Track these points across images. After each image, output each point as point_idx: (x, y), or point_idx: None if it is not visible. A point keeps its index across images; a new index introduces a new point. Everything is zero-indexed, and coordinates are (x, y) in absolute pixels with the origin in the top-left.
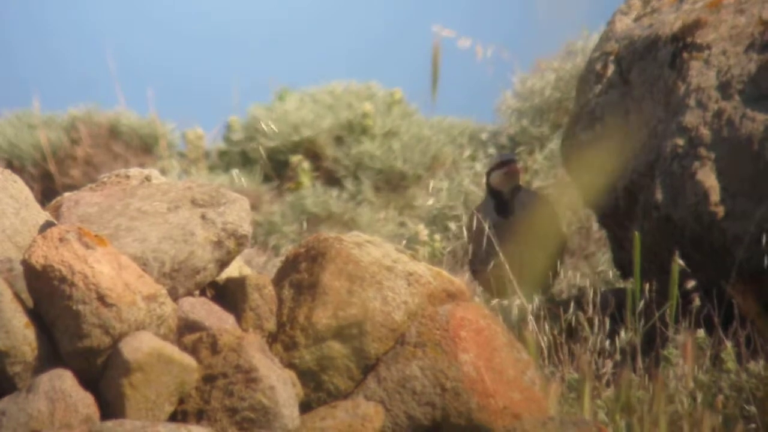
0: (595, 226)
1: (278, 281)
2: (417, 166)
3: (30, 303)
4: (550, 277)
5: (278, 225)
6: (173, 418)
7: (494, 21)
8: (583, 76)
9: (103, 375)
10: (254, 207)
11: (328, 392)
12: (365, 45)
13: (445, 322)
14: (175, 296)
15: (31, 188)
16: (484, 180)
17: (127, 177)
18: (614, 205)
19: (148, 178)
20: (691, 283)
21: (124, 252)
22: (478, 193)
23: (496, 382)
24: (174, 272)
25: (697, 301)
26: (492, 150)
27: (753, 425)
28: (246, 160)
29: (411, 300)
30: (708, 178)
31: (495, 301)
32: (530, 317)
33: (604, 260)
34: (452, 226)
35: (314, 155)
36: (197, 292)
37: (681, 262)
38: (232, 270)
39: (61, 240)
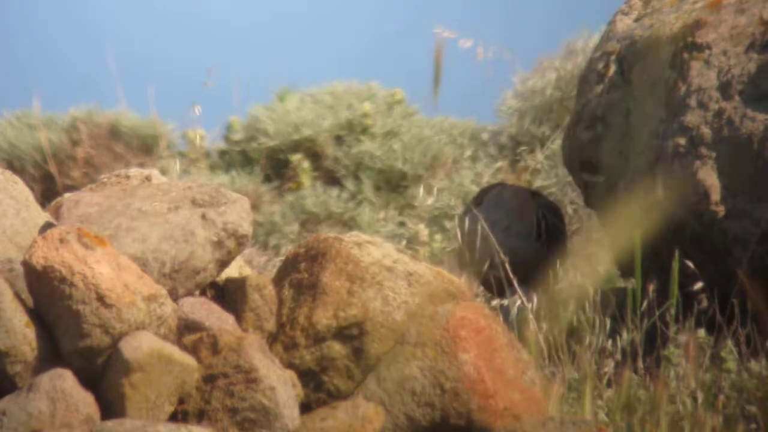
0: (596, 225)
1: (278, 281)
2: (417, 166)
3: (30, 303)
4: (550, 276)
5: (278, 225)
6: (174, 418)
7: (495, 21)
8: (584, 75)
9: (104, 375)
10: (254, 207)
11: (329, 393)
12: (366, 45)
13: (445, 321)
14: (175, 296)
15: (32, 189)
16: (484, 180)
17: (128, 177)
18: (615, 205)
19: (148, 179)
20: (698, 285)
21: (124, 252)
22: None
23: (497, 383)
24: (174, 272)
25: (704, 302)
26: (493, 150)
27: (754, 425)
28: (246, 160)
29: (411, 300)
30: (709, 177)
31: (496, 301)
32: (531, 317)
33: (604, 260)
34: (452, 226)
35: (314, 155)
36: (197, 293)
37: (690, 264)
38: (232, 270)
39: (61, 241)
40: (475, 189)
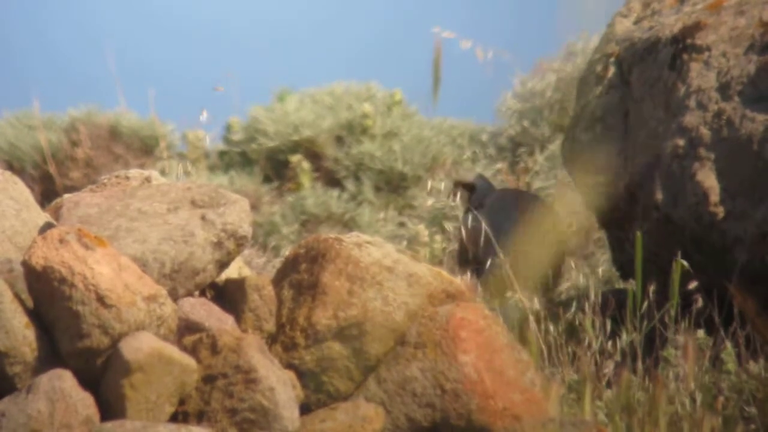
0: (595, 226)
1: (278, 282)
2: (417, 167)
3: (30, 304)
4: (550, 277)
5: (278, 225)
6: (174, 418)
7: (495, 23)
8: (584, 77)
9: (104, 375)
10: (254, 207)
11: (328, 394)
12: (366, 46)
13: (445, 322)
14: (175, 297)
15: (32, 189)
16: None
17: (127, 178)
18: (614, 206)
19: (148, 179)
20: (693, 284)
21: (124, 253)
22: None
23: (496, 383)
24: (174, 273)
25: (699, 302)
26: (492, 151)
27: (753, 426)
28: (246, 161)
29: (411, 300)
30: (708, 178)
31: (501, 297)
32: (531, 318)
33: (603, 261)
34: (451, 227)
35: (314, 156)
36: (197, 293)
37: (684, 263)
38: (232, 271)
39: (61, 241)
40: None
